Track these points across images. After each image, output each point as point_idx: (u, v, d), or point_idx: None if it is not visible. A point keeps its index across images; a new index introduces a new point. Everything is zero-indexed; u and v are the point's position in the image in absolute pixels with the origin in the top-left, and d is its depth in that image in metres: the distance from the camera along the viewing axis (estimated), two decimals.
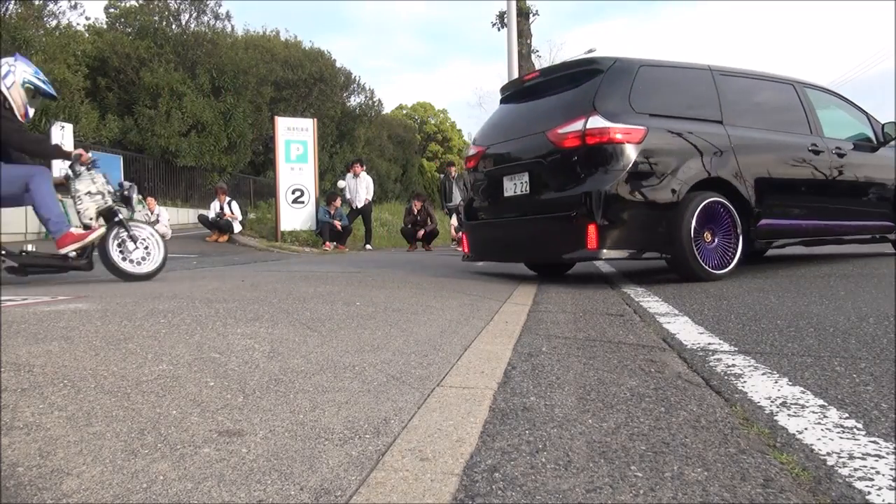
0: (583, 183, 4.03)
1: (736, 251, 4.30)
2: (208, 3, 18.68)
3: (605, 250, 3.94)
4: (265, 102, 18.78)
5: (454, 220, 11.67)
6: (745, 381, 1.62)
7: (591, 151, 4.02)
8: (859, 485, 0.97)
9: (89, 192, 4.01)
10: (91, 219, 3.96)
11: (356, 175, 11.51)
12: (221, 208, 11.51)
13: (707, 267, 4.13)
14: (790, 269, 4.85)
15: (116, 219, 4.04)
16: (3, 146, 3.74)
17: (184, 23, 18.54)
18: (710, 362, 1.86)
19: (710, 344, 2.14)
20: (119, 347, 1.70)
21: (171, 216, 12.88)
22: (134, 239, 4.10)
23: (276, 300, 2.80)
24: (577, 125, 4.07)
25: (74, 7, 15.67)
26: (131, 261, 4.05)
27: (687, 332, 2.40)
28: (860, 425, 1.24)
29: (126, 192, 4.24)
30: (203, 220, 12.00)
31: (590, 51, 29.71)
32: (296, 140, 11.23)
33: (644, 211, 4.05)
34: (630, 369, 1.79)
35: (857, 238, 5.32)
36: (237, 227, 11.63)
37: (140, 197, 13.04)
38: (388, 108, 32.83)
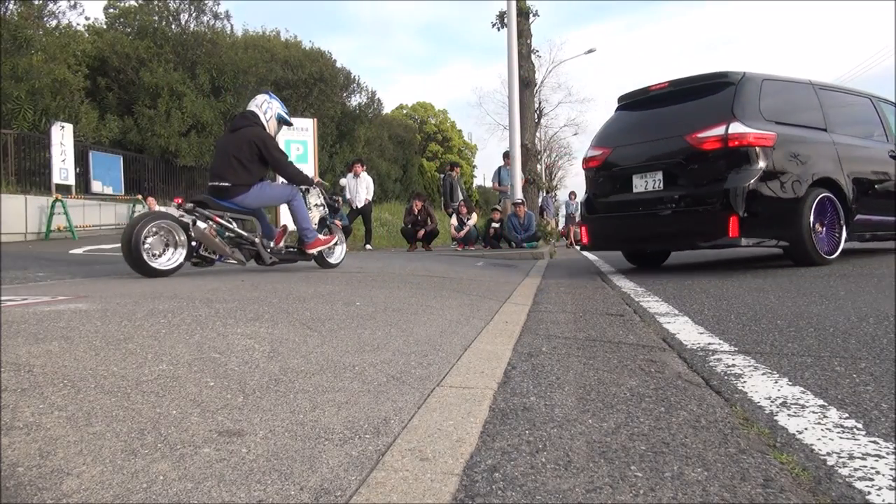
0: (724, 180, 4.61)
1: (840, 240, 5.04)
2: (207, 2, 18.66)
3: (744, 239, 4.55)
4: None
5: (454, 220, 11.67)
6: (745, 381, 1.62)
7: (732, 153, 4.64)
8: (859, 485, 0.97)
9: (316, 205, 5.29)
10: (315, 224, 5.17)
11: (356, 175, 11.50)
12: None
13: (821, 253, 4.86)
14: (790, 269, 4.85)
15: (327, 223, 5.43)
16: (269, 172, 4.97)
17: (183, 23, 18.53)
18: (710, 362, 1.86)
19: (710, 344, 2.14)
20: (119, 347, 1.70)
21: None
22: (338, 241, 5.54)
23: (276, 300, 2.80)
24: (719, 130, 4.69)
25: (74, 7, 15.67)
26: (330, 255, 5.37)
27: (687, 332, 2.40)
28: (860, 425, 1.24)
29: (337, 205, 5.75)
30: None
31: (590, 51, 29.71)
32: (296, 140, 11.20)
33: (774, 204, 4.68)
34: (630, 369, 1.79)
35: None
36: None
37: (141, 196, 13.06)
38: (388, 108, 32.83)
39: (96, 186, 13.48)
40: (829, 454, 1.10)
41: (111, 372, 1.47)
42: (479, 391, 1.53)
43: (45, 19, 14.57)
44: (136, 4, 18.50)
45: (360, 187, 11.41)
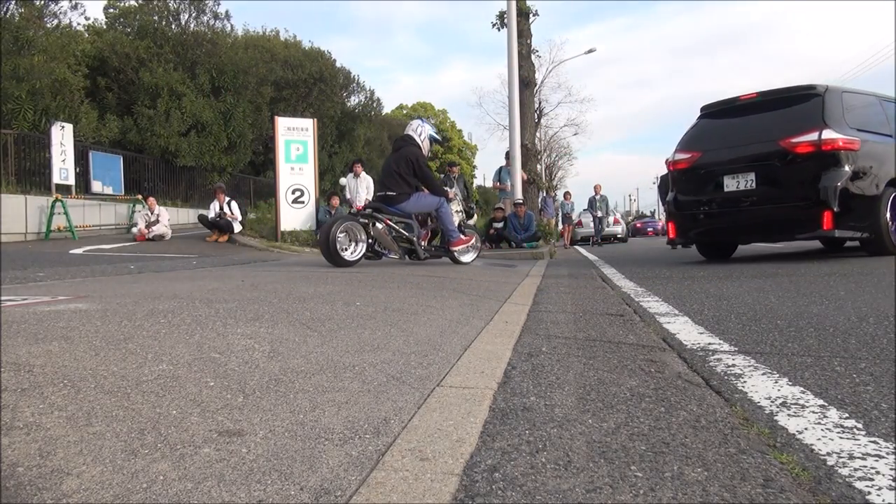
0: (818, 180, 5.31)
1: None
2: (207, 2, 18.64)
3: (836, 231, 5.26)
4: (265, 102, 18.75)
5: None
6: (745, 381, 1.62)
7: (825, 156, 5.33)
8: (859, 485, 0.97)
9: (457, 211, 6.28)
10: (456, 227, 6.12)
11: (357, 175, 11.50)
12: (221, 208, 11.50)
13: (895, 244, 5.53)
14: (790, 269, 4.85)
15: (463, 228, 6.36)
16: (421, 186, 5.99)
17: (183, 23, 18.52)
18: (710, 362, 1.86)
19: (710, 344, 2.14)
20: (119, 347, 1.70)
21: (171, 216, 12.87)
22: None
23: (276, 300, 2.80)
24: (812, 136, 5.36)
25: (75, 7, 15.64)
26: (465, 254, 6.22)
27: (687, 332, 2.40)
28: (860, 425, 1.24)
29: (472, 212, 6.74)
30: (203, 220, 11.99)
31: (590, 51, 29.70)
32: (296, 140, 11.21)
33: (859, 201, 5.36)
34: (630, 369, 1.79)
35: None
36: (237, 227, 11.62)
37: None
38: (388, 108, 32.86)
39: (96, 186, 13.48)
40: (829, 454, 1.10)
41: (111, 372, 1.47)
42: (479, 391, 1.53)
43: (46, 19, 14.55)
44: (136, 4, 18.49)
45: (360, 187, 11.41)
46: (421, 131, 5.98)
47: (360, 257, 5.31)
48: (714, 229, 6.25)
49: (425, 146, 5.97)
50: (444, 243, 6.07)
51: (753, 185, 5.68)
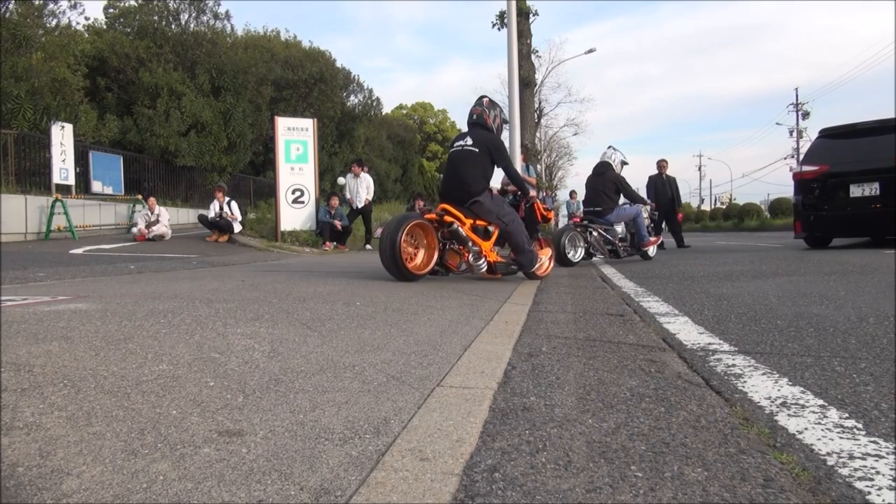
0: None
1: None
2: (207, 2, 18.63)
3: None
4: (265, 102, 18.74)
5: None
6: (745, 381, 1.62)
7: None
8: (859, 485, 0.97)
9: (645, 217, 7.46)
10: (646, 231, 7.46)
11: (356, 175, 11.49)
12: (221, 208, 11.49)
13: None
14: (790, 269, 4.85)
15: (651, 231, 7.83)
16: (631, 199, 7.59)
17: (183, 23, 18.50)
18: (710, 362, 1.86)
19: (710, 344, 2.14)
20: (119, 347, 1.70)
21: (171, 216, 12.85)
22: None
23: (276, 300, 2.80)
24: None
25: (74, 7, 15.62)
26: (651, 252, 7.56)
27: (687, 332, 2.40)
28: (860, 425, 1.24)
29: (655, 217, 8.06)
30: (203, 220, 11.97)
31: (590, 51, 29.72)
32: (296, 140, 11.20)
33: None
34: (630, 369, 1.79)
35: None
36: (237, 227, 11.61)
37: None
38: (387, 108, 32.88)
39: (96, 186, 13.46)
40: (829, 454, 1.10)
41: (111, 372, 1.47)
42: (479, 391, 1.53)
43: (46, 19, 14.54)
44: (136, 4, 18.47)
45: (361, 187, 11.40)
46: (614, 158, 7.46)
47: (581, 258, 6.81)
48: (837, 226, 7.73)
49: (618, 168, 7.44)
50: (637, 244, 7.34)
51: (878, 192, 7.16)
